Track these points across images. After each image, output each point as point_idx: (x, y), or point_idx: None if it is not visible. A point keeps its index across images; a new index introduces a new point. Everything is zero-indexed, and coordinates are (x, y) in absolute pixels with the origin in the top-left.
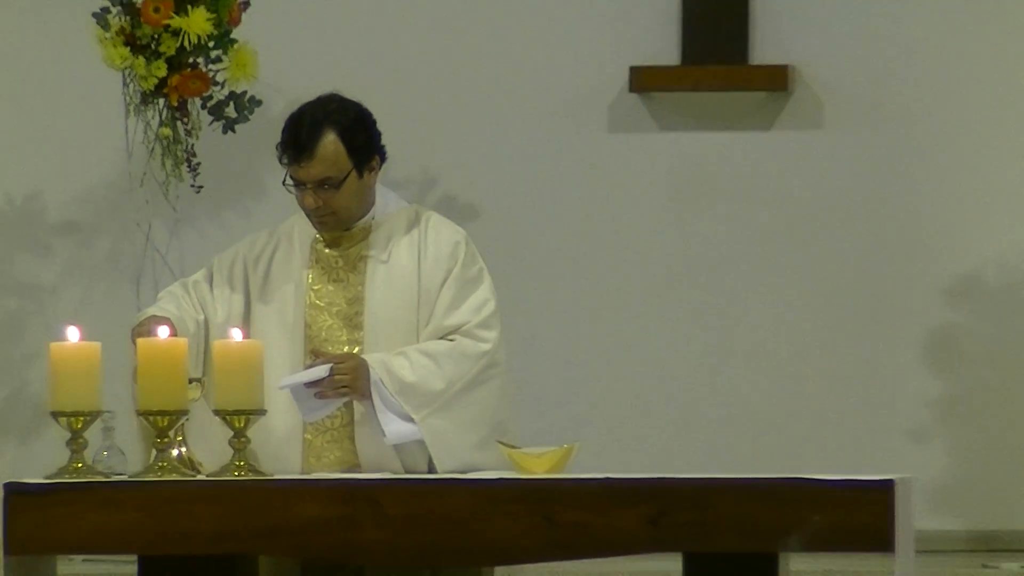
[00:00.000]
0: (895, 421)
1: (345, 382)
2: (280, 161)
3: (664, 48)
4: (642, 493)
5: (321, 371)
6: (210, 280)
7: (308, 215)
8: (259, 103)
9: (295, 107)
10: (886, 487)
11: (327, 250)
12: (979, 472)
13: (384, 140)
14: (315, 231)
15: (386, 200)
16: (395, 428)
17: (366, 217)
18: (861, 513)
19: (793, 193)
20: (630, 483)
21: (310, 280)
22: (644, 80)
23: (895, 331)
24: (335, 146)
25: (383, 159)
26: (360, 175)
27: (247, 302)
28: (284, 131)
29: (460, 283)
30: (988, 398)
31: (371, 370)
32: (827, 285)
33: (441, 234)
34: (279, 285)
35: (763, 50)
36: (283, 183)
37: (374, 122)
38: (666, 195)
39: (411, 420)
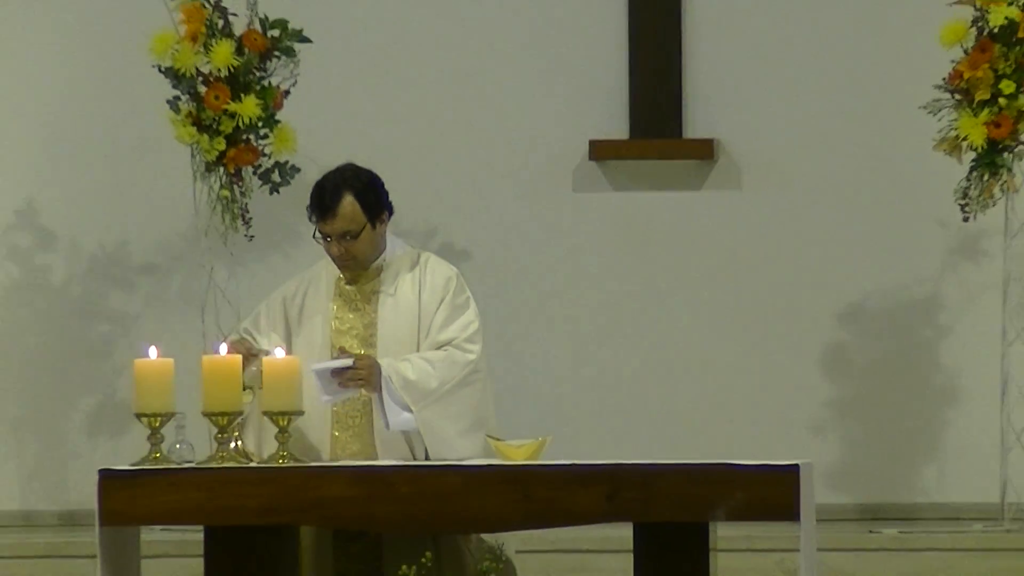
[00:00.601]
0: (799, 418)
1: (362, 375)
2: (309, 219)
3: (616, 125)
4: (600, 476)
5: (346, 362)
6: (257, 321)
7: (333, 259)
8: (297, 170)
9: (323, 173)
10: (792, 470)
11: (347, 286)
12: (865, 458)
13: (395, 198)
14: (339, 272)
15: (394, 245)
16: (397, 417)
17: (379, 259)
18: (773, 490)
19: (718, 240)
20: (590, 468)
21: (334, 310)
22: (600, 151)
23: (799, 348)
24: (352, 206)
25: (391, 213)
26: (373, 227)
27: (288, 331)
28: (311, 195)
29: (451, 308)
30: (871, 399)
31: (383, 369)
32: (745, 313)
33: (436, 271)
34: (311, 316)
35: (694, 127)
36: (313, 236)
37: (382, 184)
38: (618, 241)
39: (410, 411)
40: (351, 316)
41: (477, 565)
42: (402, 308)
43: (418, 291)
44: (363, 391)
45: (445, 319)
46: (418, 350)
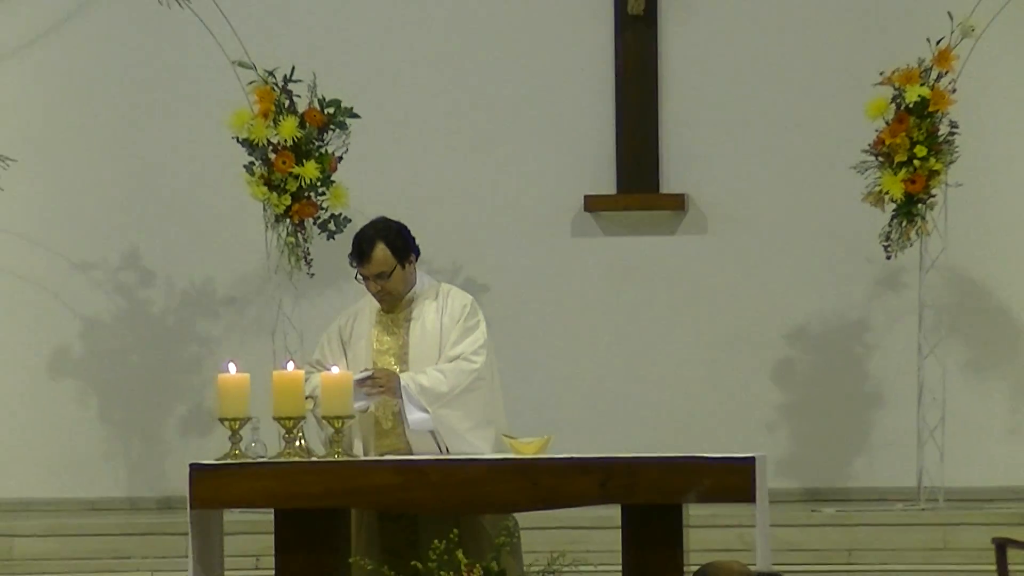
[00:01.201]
0: (754, 419)
1: (381, 383)
2: (351, 264)
3: (606, 182)
4: (594, 467)
5: (367, 374)
6: (324, 354)
7: (372, 295)
8: (349, 220)
9: (379, 220)
10: (750, 461)
11: (385, 315)
12: (808, 450)
13: (426, 243)
14: (375, 306)
15: (422, 280)
16: (415, 416)
17: (410, 292)
18: (734, 478)
19: (688, 276)
20: (586, 460)
21: (375, 335)
22: (593, 204)
23: (754, 362)
24: (384, 252)
25: (418, 255)
26: (403, 267)
27: (344, 353)
28: (352, 245)
29: (463, 329)
30: (813, 403)
31: (400, 378)
32: (710, 334)
33: (455, 300)
34: (357, 340)
35: (668, 184)
36: (355, 278)
37: (409, 232)
38: (607, 277)
39: (426, 411)
40: (388, 339)
41: (493, 540)
42: (428, 331)
43: (440, 317)
44: (386, 397)
45: (457, 337)
46: (440, 356)
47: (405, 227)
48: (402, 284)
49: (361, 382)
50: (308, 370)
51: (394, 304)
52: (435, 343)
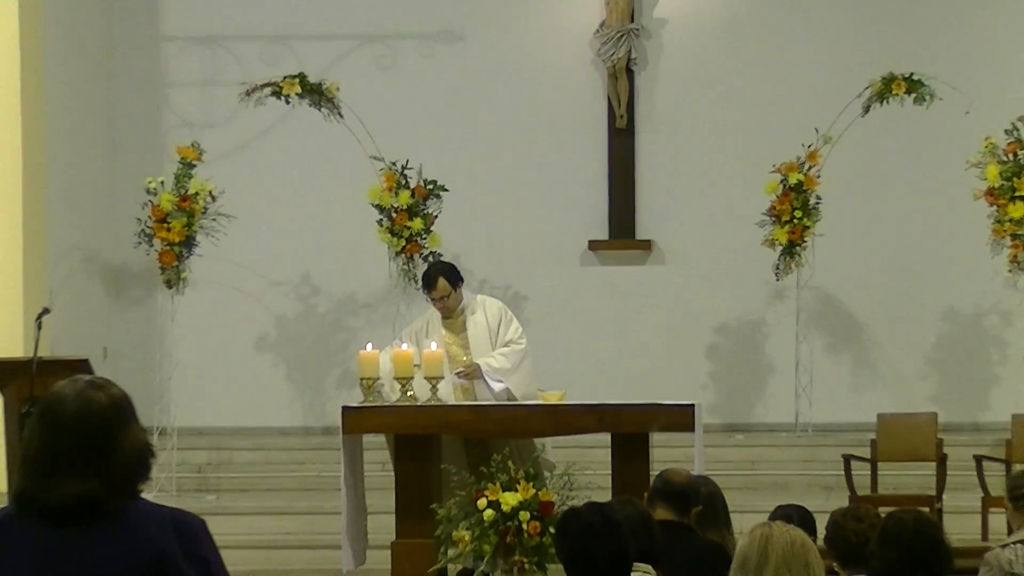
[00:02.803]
0: (694, 381)
1: (470, 372)
2: (422, 291)
3: (602, 231)
4: (594, 409)
5: (460, 369)
6: (403, 340)
7: (437, 309)
8: (441, 255)
9: (438, 262)
10: (691, 407)
11: (446, 320)
12: (727, 400)
13: (487, 270)
14: (440, 315)
15: (467, 296)
16: (495, 387)
17: (460, 306)
18: (681, 416)
19: (653, 291)
20: (589, 406)
21: (445, 334)
22: (594, 245)
23: (694, 349)
24: (443, 282)
25: (463, 281)
26: (456, 290)
27: (417, 344)
28: (422, 279)
29: (506, 323)
30: (730, 371)
31: (480, 365)
32: (666, 328)
33: (491, 305)
34: (432, 336)
35: (641, 233)
36: (426, 299)
37: (456, 268)
38: (603, 292)
39: (501, 382)
40: (454, 336)
41: (532, 455)
42: (479, 329)
43: (485, 318)
44: (472, 378)
45: (503, 330)
46: (493, 349)
47: (454, 265)
48: (455, 301)
49: (458, 374)
50: (394, 345)
51: (451, 313)
52: (486, 335)
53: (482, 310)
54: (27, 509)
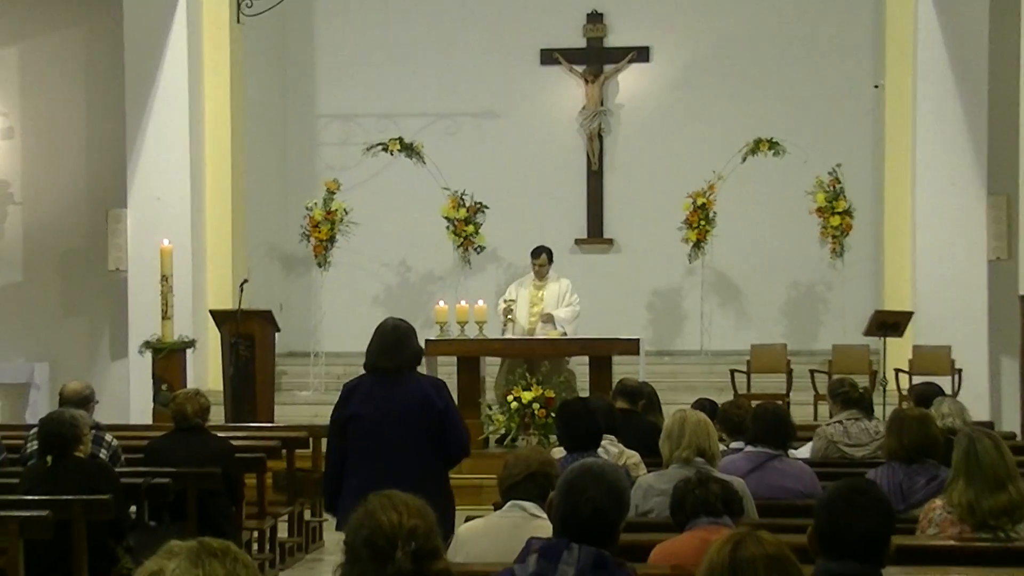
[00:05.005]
0: (639, 326)
1: (546, 315)
2: (532, 256)
3: (582, 232)
4: (578, 342)
5: (544, 315)
6: (508, 295)
7: (535, 273)
8: (484, 247)
9: (545, 246)
10: (636, 341)
11: (538, 281)
12: (659, 334)
13: (514, 256)
14: (534, 277)
15: (552, 272)
16: (561, 329)
17: (548, 275)
18: (630, 346)
19: (615, 271)
20: (575, 339)
21: (532, 291)
22: (578, 241)
23: (638, 304)
24: (545, 256)
25: (553, 262)
26: (550, 264)
27: (516, 294)
28: (533, 251)
29: (570, 293)
30: (661, 320)
31: (553, 315)
32: (621, 295)
33: (564, 282)
34: (522, 292)
35: (607, 232)
36: (532, 263)
37: (552, 252)
38: (585, 273)
39: (563, 328)
40: (539, 293)
41: (562, 367)
42: (552, 292)
43: (559, 287)
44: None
45: (568, 296)
46: (558, 306)
47: (552, 251)
48: (546, 271)
49: (540, 317)
50: (505, 299)
51: (542, 277)
52: (555, 297)
53: (557, 282)
54: (373, 371)
